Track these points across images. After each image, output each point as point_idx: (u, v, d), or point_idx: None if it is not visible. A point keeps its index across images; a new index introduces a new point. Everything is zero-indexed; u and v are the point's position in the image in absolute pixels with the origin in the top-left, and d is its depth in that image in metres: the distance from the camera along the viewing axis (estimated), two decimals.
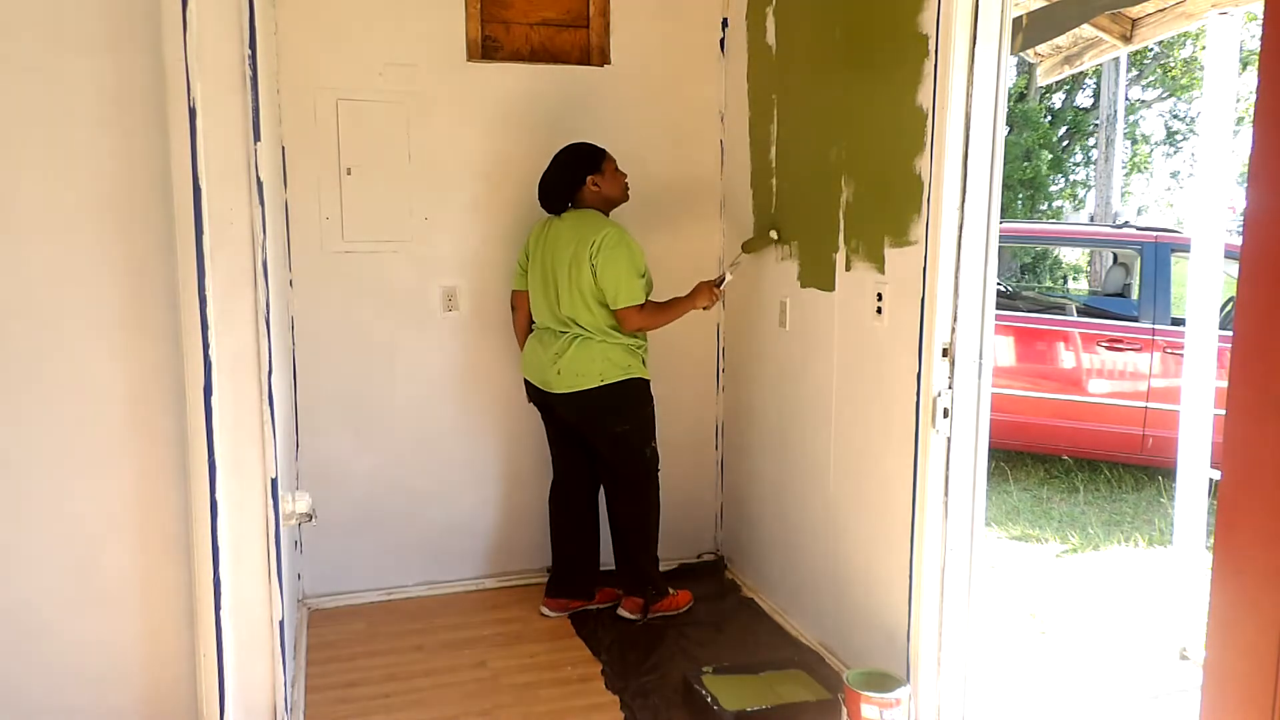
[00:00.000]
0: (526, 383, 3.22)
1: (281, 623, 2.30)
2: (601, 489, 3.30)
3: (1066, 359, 5.42)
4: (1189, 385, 3.01)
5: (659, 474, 3.23)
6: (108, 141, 2.11)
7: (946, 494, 2.38)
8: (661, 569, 3.60)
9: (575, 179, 3.07)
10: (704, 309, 3.16)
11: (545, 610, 3.28)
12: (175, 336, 2.16)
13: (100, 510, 2.20)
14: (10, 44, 2.04)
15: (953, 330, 2.34)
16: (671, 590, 3.28)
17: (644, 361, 3.14)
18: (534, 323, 3.21)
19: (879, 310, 2.58)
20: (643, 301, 3.01)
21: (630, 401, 3.08)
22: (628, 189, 3.17)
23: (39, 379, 2.13)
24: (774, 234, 3.17)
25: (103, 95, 2.09)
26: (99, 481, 2.19)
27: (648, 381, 3.13)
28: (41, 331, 2.12)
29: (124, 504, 2.21)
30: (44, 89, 2.06)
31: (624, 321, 3.00)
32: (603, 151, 3.11)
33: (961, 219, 2.29)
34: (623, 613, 3.23)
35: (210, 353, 2.12)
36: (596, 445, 3.15)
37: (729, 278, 3.22)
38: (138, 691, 2.27)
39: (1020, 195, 13.99)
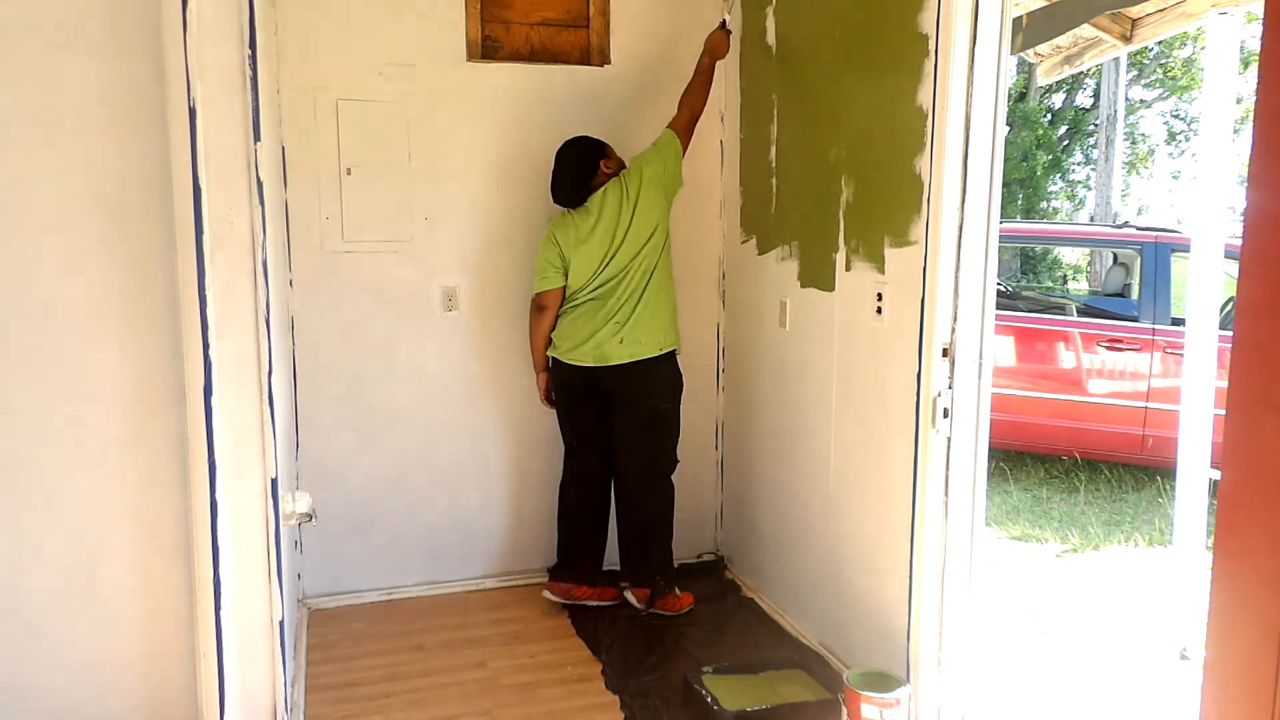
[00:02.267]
0: (560, 368, 3.20)
1: (281, 623, 2.30)
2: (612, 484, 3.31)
3: (1066, 359, 5.41)
4: (1189, 385, 3.01)
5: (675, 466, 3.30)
6: (108, 141, 2.11)
7: (946, 494, 2.38)
8: None
9: (591, 168, 3.17)
10: (723, 56, 3.24)
11: (548, 594, 3.27)
12: (175, 336, 2.17)
13: (100, 510, 2.20)
14: (10, 44, 2.04)
15: (953, 330, 2.34)
16: (678, 590, 3.29)
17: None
18: (564, 307, 3.20)
19: (879, 310, 2.58)
20: (667, 129, 3.16)
21: (676, 379, 3.22)
22: (625, 165, 3.27)
23: (39, 379, 2.13)
24: None
25: (103, 95, 2.09)
26: (99, 481, 2.19)
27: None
28: (41, 331, 2.12)
29: (124, 504, 2.21)
30: (44, 89, 2.07)
31: (681, 135, 3.15)
32: (600, 139, 3.23)
33: (961, 219, 2.29)
34: (629, 596, 3.25)
35: (210, 353, 2.12)
36: (632, 423, 3.17)
37: (729, 15, 3.26)
38: (138, 691, 2.27)
39: (1020, 194, 14.00)
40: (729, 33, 3.23)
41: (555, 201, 3.20)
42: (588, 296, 3.15)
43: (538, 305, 3.24)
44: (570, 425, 3.30)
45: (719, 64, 3.57)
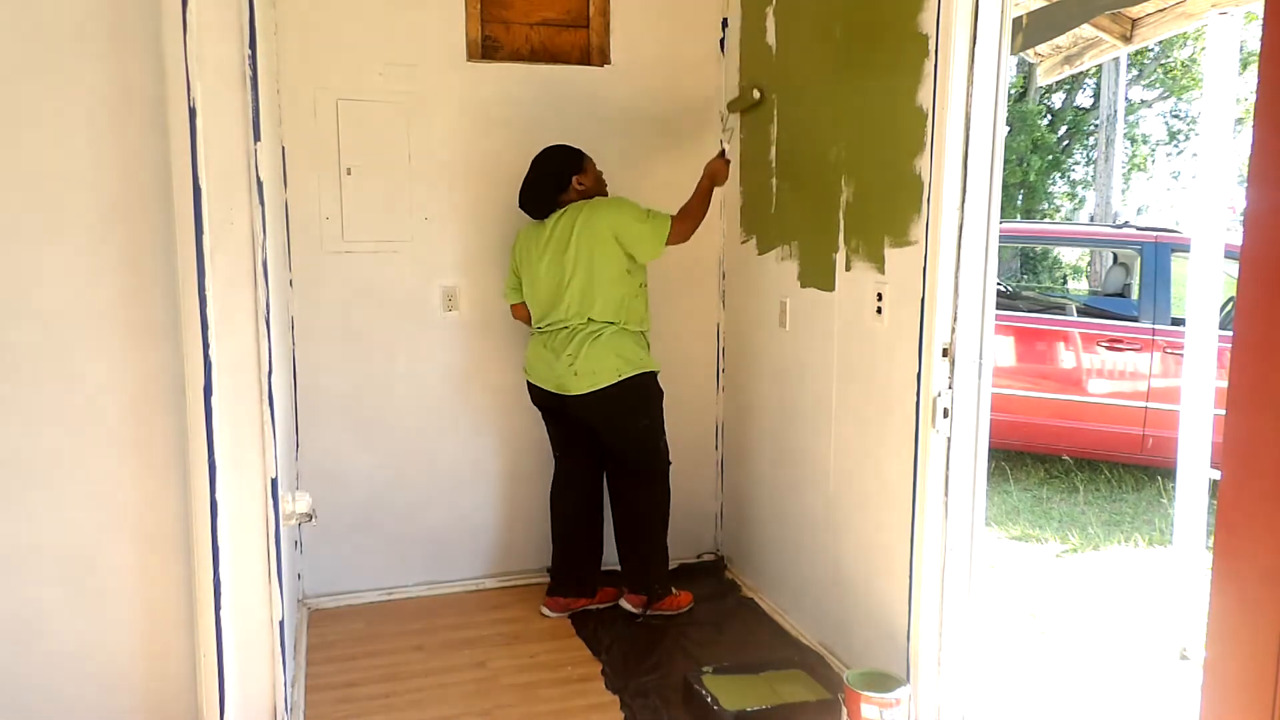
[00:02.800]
0: (531, 387, 3.20)
1: (281, 623, 2.30)
2: (606, 488, 3.30)
3: (1066, 359, 5.41)
4: (1189, 385, 3.01)
5: (668, 468, 3.25)
6: (107, 141, 2.11)
7: (946, 494, 2.38)
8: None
9: (561, 181, 3.09)
10: (723, 184, 3.20)
11: (546, 610, 3.28)
12: (175, 336, 2.17)
13: (100, 510, 2.20)
14: (10, 44, 2.04)
15: (953, 330, 2.34)
16: (674, 590, 3.29)
17: (649, 351, 3.16)
18: (533, 329, 3.20)
19: (879, 310, 2.58)
20: (671, 215, 3.03)
21: (648, 396, 3.11)
22: (604, 182, 3.20)
23: (39, 379, 2.13)
24: (757, 93, 3.24)
25: (103, 95, 2.09)
26: (99, 482, 2.19)
27: (656, 374, 3.14)
28: (41, 331, 2.12)
29: (124, 504, 2.21)
30: (44, 89, 2.07)
31: (674, 235, 3.02)
32: (581, 151, 3.14)
33: (961, 219, 2.29)
34: (625, 604, 3.24)
35: (210, 353, 2.12)
36: (614, 443, 3.14)
37: (727, 145, 3.27)
38: (138, 691, 2.27)
39: (1019, 195, 14.00)
40: (728, 161, 3.19)
41: (520, 206, 3.16)
42: (546, 328, 3.11)
43: (513, 315, 3.35)
44: (553, 438, 3.30)
45: (721, 62, 3.57)
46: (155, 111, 2.10)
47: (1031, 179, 13.76)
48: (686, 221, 3.06)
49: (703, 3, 3.51)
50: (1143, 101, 14.96)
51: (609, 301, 3.02)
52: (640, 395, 3.08)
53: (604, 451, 3.21)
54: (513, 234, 3.41)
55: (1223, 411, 1.20)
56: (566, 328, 3.05)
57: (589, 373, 3.00)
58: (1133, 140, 14.98)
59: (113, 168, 2.12)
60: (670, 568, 3.63)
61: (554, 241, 3.05)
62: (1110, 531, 4.62)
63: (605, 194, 3.18)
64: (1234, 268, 1.25)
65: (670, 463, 3.25)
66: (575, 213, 3.03)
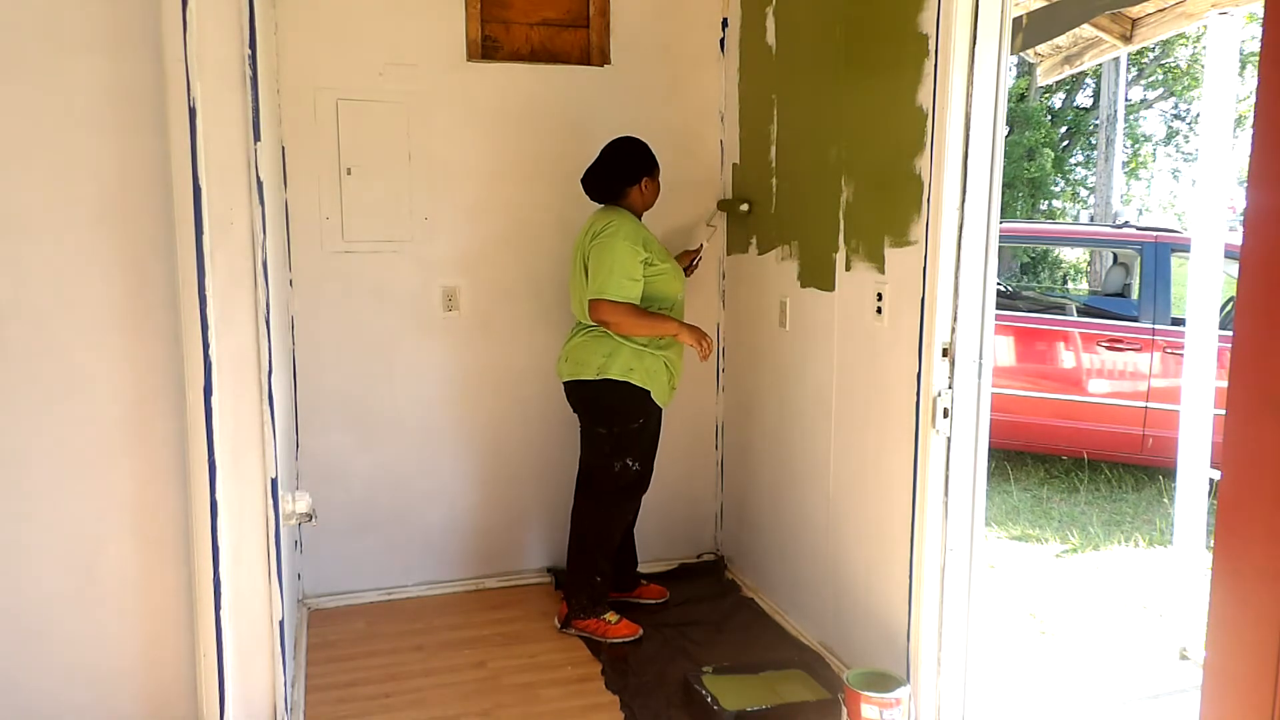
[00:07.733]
0: None
1: (281, 623, 2.31)
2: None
3: (1066, 359, 5.41)
4: (1189, 385, 3.01)
5: (631, 496, 3.13)
6: (107, 141, 2.11)
7: (946, 494, 2.38)
8: (661, 569, 3.61)
9: (634, 175, 3.04)
10: (699, 355, 3.00)
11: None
12: (175, 336, 2.17)
13: (100, 510, 2.20)
14: (10, 44, 2.04)
15: (953, 330, 2.34)
16: (611, 618, 3.09)
17: (660, 377, 3.02)
18: None
19: (879, 310, 2.58)
20: (624, 301, 2.90)
21: (618, 406, 2.99)
22: (656, 199, 3.14)
23: (39, 379, 2.13)
24: (745, 206, 3.33)
25: (103, 95, 2.10)
26: (99, 481, 2.19)
27: (647, 394, 3.00)
28: (41, 331, 2.12)
29: (124, 504, 2.21)
30: (44, 89, 2.07)
31: (593, 309, 2.91)
32: (656, 159, 3.10)
33: (961, 219, 2.29)
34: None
35: (210, 353, 2.12)
36: (581, 436, 3.15)
37: (707, 242, 3.29)
38: (138, 691, 2.27)
39: (1020, 195, 14.01)
40: (708, 349, 2.99)
41: (581, 180, 3.08)
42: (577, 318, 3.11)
43: None
44: None
45: (721, 62, 3.56)
46: (155, 111, 2.11)
47: (1048, 169, 13.74)
48: (626, 318, 2.90)
49: (703, 3, 3.51)
50: (1143, 101, 14.97)
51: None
52: (607, 403, 2.99)
53: None
54: (513, 234, 3.42)
55: (1223, 411, 1.20)
56: (580, 319, 3.05)
57: (574, 362, 3.03)
58: (1133, 140, 14.98)
59: (113, 168, 2.12)
60: (670, 568, 3.64)
61: (580, 237, 3.05)
62: (1110, 531, 4.62)
63: (651, 206, 3.12)
64: (1234, 268, 1.26)
65: (624, 489, 3.08)
66: (602, 216, 2.99)
